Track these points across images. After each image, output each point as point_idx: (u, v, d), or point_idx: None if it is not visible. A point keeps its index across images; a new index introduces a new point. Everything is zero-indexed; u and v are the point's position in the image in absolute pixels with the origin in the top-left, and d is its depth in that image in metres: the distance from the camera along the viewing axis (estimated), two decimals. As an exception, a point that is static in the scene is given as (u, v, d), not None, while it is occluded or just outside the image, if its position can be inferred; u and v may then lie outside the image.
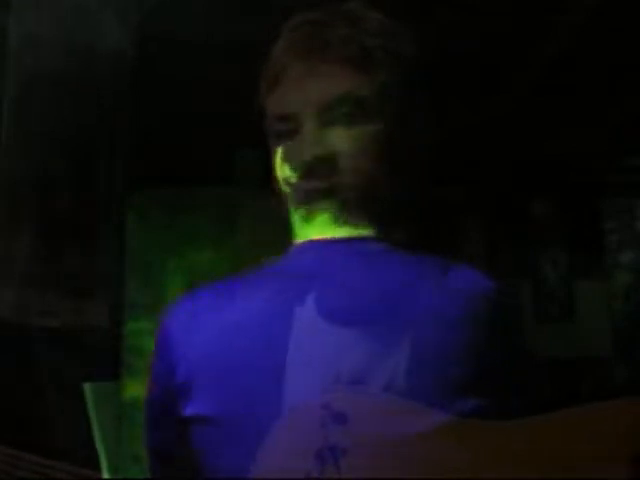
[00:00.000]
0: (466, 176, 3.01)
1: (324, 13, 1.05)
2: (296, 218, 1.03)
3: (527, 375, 0.98)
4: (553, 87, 2.41)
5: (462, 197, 3.05)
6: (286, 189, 1.03)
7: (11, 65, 1.83)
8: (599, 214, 3.21)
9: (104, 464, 2.10)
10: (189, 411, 0.93)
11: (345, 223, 0.99)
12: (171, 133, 2.44)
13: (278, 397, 0.86)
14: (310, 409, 0.84)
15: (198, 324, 0.96)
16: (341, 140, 1.01)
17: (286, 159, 1.03)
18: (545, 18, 1.99)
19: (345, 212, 0.99)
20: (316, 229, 1.01)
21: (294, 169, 1.02)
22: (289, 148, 1.03)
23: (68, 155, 2.05)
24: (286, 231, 1.05)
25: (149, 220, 2.58)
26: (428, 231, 1.11)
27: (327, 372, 0.89)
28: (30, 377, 2.08)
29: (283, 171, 1.04)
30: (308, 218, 1.01)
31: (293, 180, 1.02)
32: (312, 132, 1.02)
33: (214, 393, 0.92)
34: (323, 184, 1.01)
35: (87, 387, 2.16)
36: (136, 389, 2.48)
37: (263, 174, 1.15)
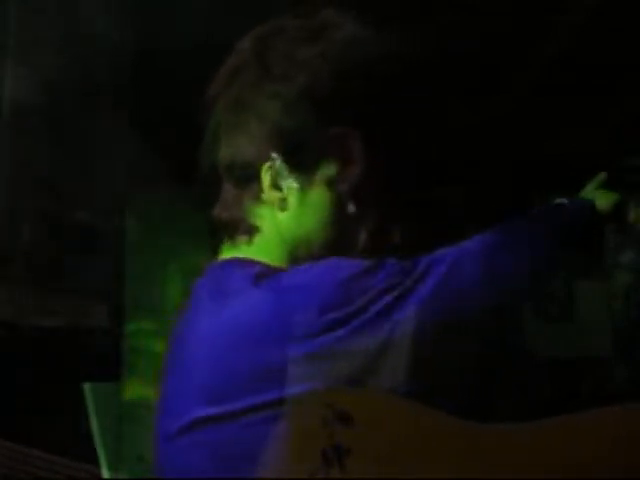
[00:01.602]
0: (466, 176, 3.01)
1: (247, 59, 1.03)
2: None
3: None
4: (553, 87, 2.41)
5: (462, 197, 3.05)
6: None
7: (10, 64, 1.83)
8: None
9: (104, 464, 2.10)
10: None
11: None
12: (171, 133, 2.44)
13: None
14: (313, 408, 0.84)
15: None
16: (249, 204, 1.00)
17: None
18: (545, 18, 1.99)
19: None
20: None
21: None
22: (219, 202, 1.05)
23: (68, 155, 2.05)
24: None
25: (149, 220, 2.58)
26: (428, 231, 1.11)
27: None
28: (30, 377, 2.08)
29: None
30: None
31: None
32: (226, 191, 1.02)
33: None
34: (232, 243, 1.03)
35: (87, 387, 2.16)
36: (137, 389, 2.47)
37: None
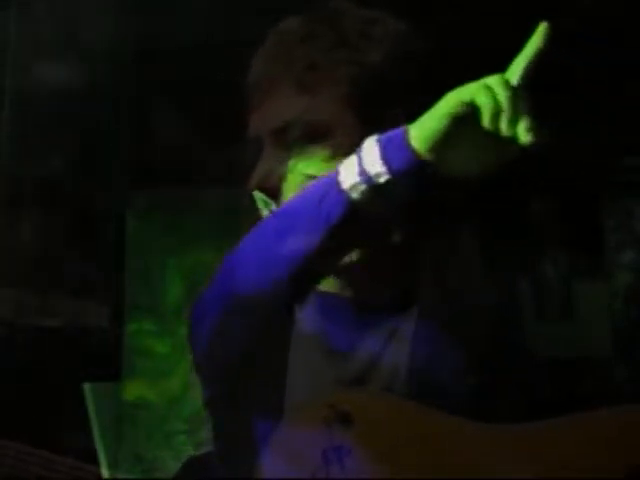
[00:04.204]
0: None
1: (291, 25, 1.03)
2: None
3: None
4: (553, 87, 2.41)
5: (461, 197, 3.04)
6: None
7: (11, 66, 1.83)
8: (599, 214, 3.21)
9: (104, 464, 2.10)
10: None
11: None
12: (171, 133, 2.44)
13: None
14: (315, 409, 0.84)
15: None
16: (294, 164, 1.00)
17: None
18: (545, 18, 1.98)
19: None
20: None
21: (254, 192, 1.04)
22: (255, 170, 1.04)
23: (68, 155, 2.05)
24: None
25: (149, 220, 2.58)
26: (426, 231, 1.11)
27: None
28: (30, 377, 2.08)
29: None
30: None
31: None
32: (269, 156, 1.01)
33: None
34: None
35: (87, 387, 2.16)
36: (137, 389, 2.47)
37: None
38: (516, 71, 0.80)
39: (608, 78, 2.39)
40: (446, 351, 0.98)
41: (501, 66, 0.84)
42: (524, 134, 0.76)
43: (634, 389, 2.87)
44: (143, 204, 2.58)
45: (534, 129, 0.76)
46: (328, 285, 1.02)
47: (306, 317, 0.99)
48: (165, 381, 2.47)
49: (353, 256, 0.99)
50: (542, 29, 0.83)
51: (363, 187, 0.79)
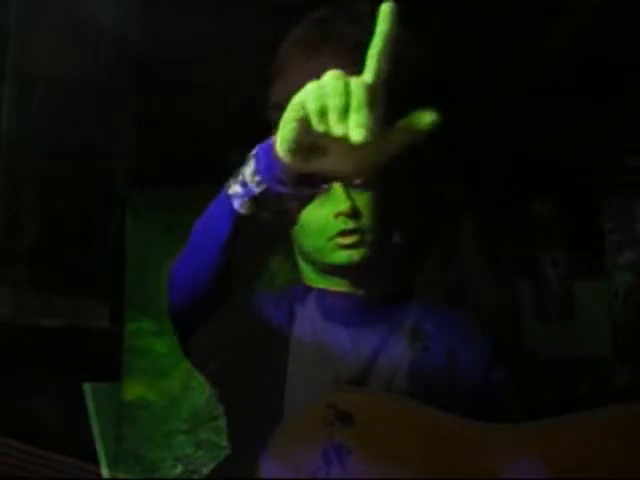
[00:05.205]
0: (466, 176, 3.01)
1: (331, 10, 1.04)
2: None
3: None
4: (553, 87, 2.41)
5: (462, 197, 3.05)
6: None
7: (11, 64, 1.83)
8: (599, 214, 3.21)
9: (104, 464, 2.10)
10: None
11: None
12: (171, 133, 2.44)
13: None
14: (315, 408, 0.84)
15: None
16: None
17: None
18: (546, 18, 1.98)
19: None
20: None
21: None
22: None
23: (68, 155, 2.05)
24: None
25: (149, 220, 2.58)
26: (427, 230, 1.11)
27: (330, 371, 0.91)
28: (30, 377, 2.08)
29: None
30: None
31: None
32: None
33: None
34: None
35: (87, 387, 2.16)
36: (136, 389, 2.48)
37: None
38: (370, 64, 0.73)
39: (608, 78, 2.39)
40: (446, 350, 0.98)
41: (499, 65, 0.84)
42: (354, 131, 0.68)
43: (634, 389, 2.87)
44: (143, 204, 2.58)
45: (366, 125, 0.68)
46: (329, 283, 1.02)
47: (306, 315, 0.99)
48: (164, 381, 2.47)
49: (354, 256, 0.99)
50: (385, 11, 0.72)
51: (245, 199, 0.81)
